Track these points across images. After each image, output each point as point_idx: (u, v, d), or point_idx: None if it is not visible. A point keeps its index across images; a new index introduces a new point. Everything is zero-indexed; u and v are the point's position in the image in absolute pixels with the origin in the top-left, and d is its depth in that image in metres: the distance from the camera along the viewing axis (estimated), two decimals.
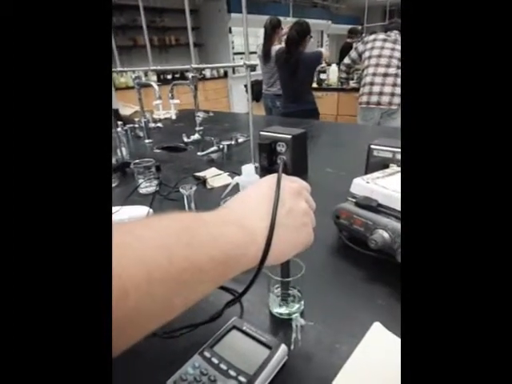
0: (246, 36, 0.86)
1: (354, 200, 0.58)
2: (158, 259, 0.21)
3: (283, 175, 0.32)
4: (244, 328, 0.39)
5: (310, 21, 2.37)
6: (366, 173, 0.76)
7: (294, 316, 0.44)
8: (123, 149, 1.15)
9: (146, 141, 1.43)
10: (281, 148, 0.90)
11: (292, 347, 0.39)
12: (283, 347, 0.37)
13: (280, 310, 0.44)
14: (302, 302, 0.45)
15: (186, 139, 1.27)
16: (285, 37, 2.55)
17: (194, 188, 0.60)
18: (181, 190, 0.60)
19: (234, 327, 0.40)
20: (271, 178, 0.32)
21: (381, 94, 2.08)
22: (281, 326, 0.43)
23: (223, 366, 0.35)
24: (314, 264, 0.54)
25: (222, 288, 0.47)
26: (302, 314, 0.44)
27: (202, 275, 0.23)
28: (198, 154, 1.16)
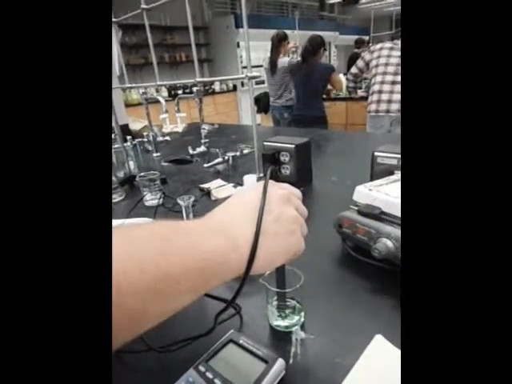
0: (247, 49, 0.88)
1: (356, 208, 0.56)
2: (129, 270, 0.20)
3: (272, 182, 0.31)
4: (241, 342, 0.38)
5: (317, 33, 2.44)
6: (370, 181, 0.75)
7: (294, 329, 0.42)
8: (131, 162, 1.16)
9: (154, 154, 1.45)
10: (284, 158, 0.90)
11: (291, 361, 0.38)
12: (280, 361, 0.36)
13: (279, 323, 0.43)
14: (303, 314, 0.44)
15: (191, 151, 1.28)
16: (292, 49, 2.66)
17: (192, 199, 0.60)
18: (178, 201, 0.60)
19: (231, 341, 0.39)
20: (258, 186, 0.31)
21: (389, 101, 2.06)
22: (281, 340, 0.42)
23: (218, 381, 0.34)
24: (317, 274, 0.52)
25: (220, 299, 0.46)
26: (302, 327, 0.43)
27: (177, 285, 0.22)
28: (204, 165, 1.16)
